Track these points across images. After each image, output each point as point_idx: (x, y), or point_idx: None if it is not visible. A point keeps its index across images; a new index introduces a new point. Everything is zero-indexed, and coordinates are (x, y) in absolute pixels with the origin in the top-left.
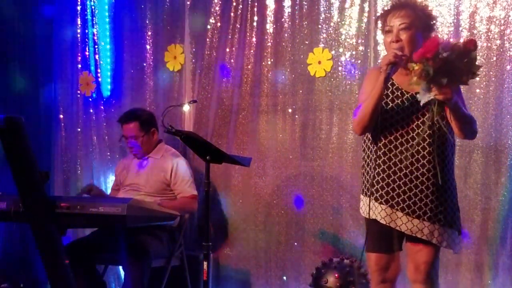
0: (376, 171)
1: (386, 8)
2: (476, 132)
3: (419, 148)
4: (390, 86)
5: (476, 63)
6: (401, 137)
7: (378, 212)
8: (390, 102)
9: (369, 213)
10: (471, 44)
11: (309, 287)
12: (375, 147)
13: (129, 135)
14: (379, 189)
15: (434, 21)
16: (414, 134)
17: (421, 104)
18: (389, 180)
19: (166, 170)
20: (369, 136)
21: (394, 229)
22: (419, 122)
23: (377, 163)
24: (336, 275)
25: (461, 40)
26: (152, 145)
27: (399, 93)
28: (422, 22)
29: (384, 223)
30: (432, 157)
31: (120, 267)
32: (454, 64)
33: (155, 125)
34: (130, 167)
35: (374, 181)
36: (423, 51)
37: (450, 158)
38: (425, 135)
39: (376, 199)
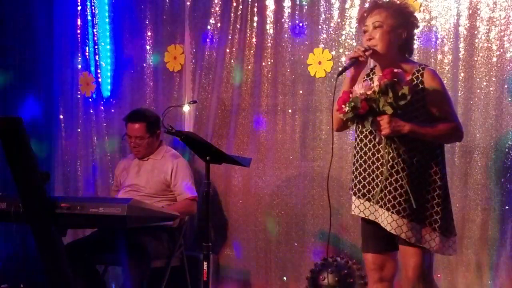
0: (355, 166)
1: (363, 12)
2: (458, 137)
3: (397, 142)
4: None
5: (399, 91)
6: (374, 142)
7: (362, 209)
8: None
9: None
10: (384, 78)
11: None
12: (357, 145)
13: (134, 135)
14: (360, 185)
15: (411, 18)
16: None
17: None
18: (372, 175)
19: (167, 171)
20: (356, 134)
21: (383, 229)
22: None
23: (358, 161)
24: (330, 274)
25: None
26: (155, 147)
27: None
28: (396, 20)
29: (364, 216)
30: (397, 153)
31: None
32: (373, 104)
33: (159, 127)
34: (130, 167)
35: (353, 177)
36: (337, 108)
37: (431, 156)
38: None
39: (355, 194)
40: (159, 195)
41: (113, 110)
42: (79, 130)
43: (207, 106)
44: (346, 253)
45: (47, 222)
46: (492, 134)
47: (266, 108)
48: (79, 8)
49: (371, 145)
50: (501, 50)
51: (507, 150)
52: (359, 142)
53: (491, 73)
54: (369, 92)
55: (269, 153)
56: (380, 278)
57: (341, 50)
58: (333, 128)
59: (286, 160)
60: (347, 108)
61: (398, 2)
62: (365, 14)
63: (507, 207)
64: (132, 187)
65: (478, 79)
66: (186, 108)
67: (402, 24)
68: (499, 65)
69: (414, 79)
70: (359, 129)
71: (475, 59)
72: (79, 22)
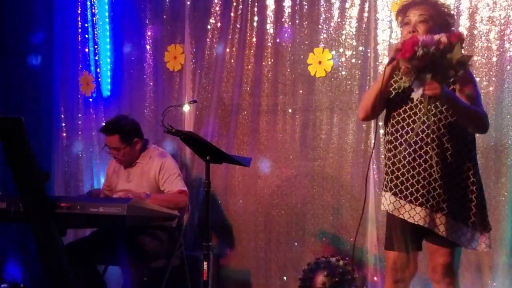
0: (391, 162)
1: (405, 3)
2: (485, 126)
3: (423, 135)
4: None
5: (463, 54)
6: (407, 126)
7: (386, 204)
8: (397, 89)
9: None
10: (454, 38)
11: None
12: (386, 138)
13: (110, 146)
14: (389, 180)
15: (452, 21)
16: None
17: (414, 100)
18: (394, 168)
19: (156, 170)
20: (385, 129)
21: (411, 227)
22: (422, 106)
23: (391, 159)
24: (323, 274)
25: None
26: (136, 155)
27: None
28: (440, 19)
29: (389, 211)
30: (436, 145)
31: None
32: (438, 60)
33: (138, 134)
34: (120, 173)
35: (387, 174)
36: (403, 52)
37: (462, 149)
38: (430, 122)
39: (384, 190)
40: None
41: (113, 110)
42: (79, 130)
43: (207, 106)
44: (340, 252)
45: (47, 222)
46: (492, 134)
47: (266, 108)
48: (79, 8)
49: (402, 140)
50: (501, 50)
51: (507, 150)
52: (390, 140)
53: (491, 73)
54: (441, 47)
55: (269, 153)
56: (399, 279)
57: (341, 50)
58: (359, 115)
59: (286, 160)
60: (421, 51)
61: (440, 1)
62: (407, 5)
63: (507, 207)
64: (125, 192)
65: (478, 79)
66: (186, 108)
67: (444, 25)
68: (499, 65)
69: None
70: (391, 124)
71: (475, 59)
72: (79, 22)
